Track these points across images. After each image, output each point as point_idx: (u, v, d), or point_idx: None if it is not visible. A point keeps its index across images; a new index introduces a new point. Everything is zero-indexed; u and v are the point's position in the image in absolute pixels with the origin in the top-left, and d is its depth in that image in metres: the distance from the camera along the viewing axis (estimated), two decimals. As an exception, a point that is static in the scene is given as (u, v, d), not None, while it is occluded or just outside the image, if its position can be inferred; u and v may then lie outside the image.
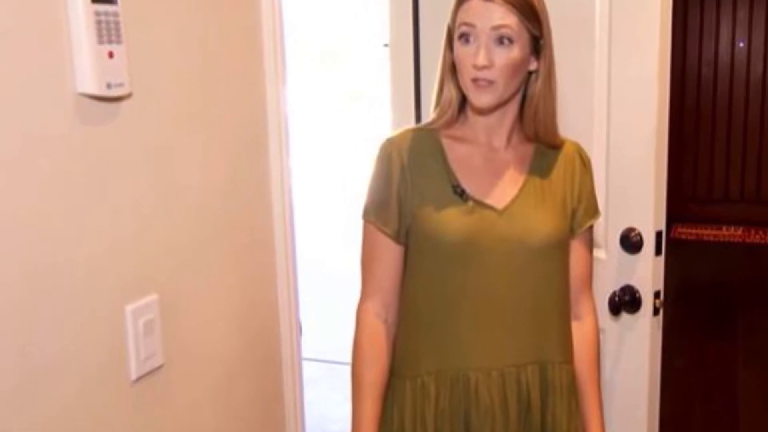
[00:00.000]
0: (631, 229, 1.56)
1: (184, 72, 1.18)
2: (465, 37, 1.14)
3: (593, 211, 1.28)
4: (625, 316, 1.59)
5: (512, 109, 1.21)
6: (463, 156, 1.22)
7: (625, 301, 1.58)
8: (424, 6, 1.80)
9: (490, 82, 1.14)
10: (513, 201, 1.20)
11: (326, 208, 5.69)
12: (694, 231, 5.28)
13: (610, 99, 1.54)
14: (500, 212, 1.19)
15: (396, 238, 1.22)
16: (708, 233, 5.27)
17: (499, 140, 1.23)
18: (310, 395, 1.69)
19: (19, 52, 0.91)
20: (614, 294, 1.58)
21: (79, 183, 1.00)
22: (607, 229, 1.58)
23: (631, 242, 1.56)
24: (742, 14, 5.21)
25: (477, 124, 1.22)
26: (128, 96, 1.06)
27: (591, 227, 1.29)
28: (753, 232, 5.26)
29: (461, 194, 1.19)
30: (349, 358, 1.25)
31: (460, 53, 1.15)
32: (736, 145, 5.35)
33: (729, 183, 5.42)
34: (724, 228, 5.32)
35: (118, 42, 1.02)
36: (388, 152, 1.22)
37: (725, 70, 5.29)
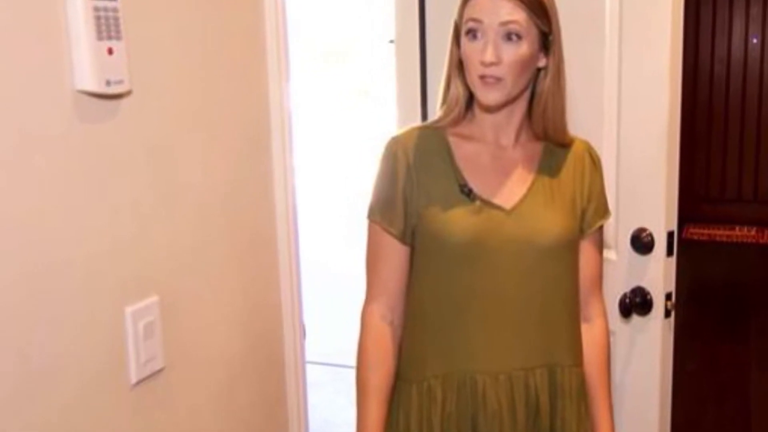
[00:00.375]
0: (642, 230, 1.54)
1: (184, 69, 1.16)
2: (472, 33, 1.12)
3: (603, 211, 1.26)
4: (635, 318, 1.57)
5: (520, 106, 1.19)
6: (470, 154, 1.20)
7: (635, 303, 1.56)
8: (430, 1, 1.78)
9: (498, 79, 1.12)
10: (521, 200, 1.18)
11: (330, 207, 5.69)
12: (706, 231, 5.23)
13: (621, 97, 1.53)
14: (508, 212, 1.17)
15: (402, 239, 1.20)
16: (720, 234, 5.22)
17: (507, 138, 1.20)
18: (313, 399, 1.67)
19: (16, 48, 0.90)
20: (625, 296, 1.56)
21: (77, 182, 0.99)
22: (617, 230, 1.56)
23: (642, 243, 1.54)
24: (756, 10, 5.15)
25: (484, 121, 1.20)
26: (128, 93, 1.04)
27: (601, 227, 1.27)
28: (767, 232, 5.20)
29: (468, 194, 1.17)
30: (353, 361, 1.24)
31: (467, 49, 1.13)
32: (750, 143, 5.29)
33: (742, 182, 5.37)
34: (737, 228, 5.27)
35: (118, 38, 1.00)
36: (393, 151, 1.20)
37: (738, 67, 5.23)
